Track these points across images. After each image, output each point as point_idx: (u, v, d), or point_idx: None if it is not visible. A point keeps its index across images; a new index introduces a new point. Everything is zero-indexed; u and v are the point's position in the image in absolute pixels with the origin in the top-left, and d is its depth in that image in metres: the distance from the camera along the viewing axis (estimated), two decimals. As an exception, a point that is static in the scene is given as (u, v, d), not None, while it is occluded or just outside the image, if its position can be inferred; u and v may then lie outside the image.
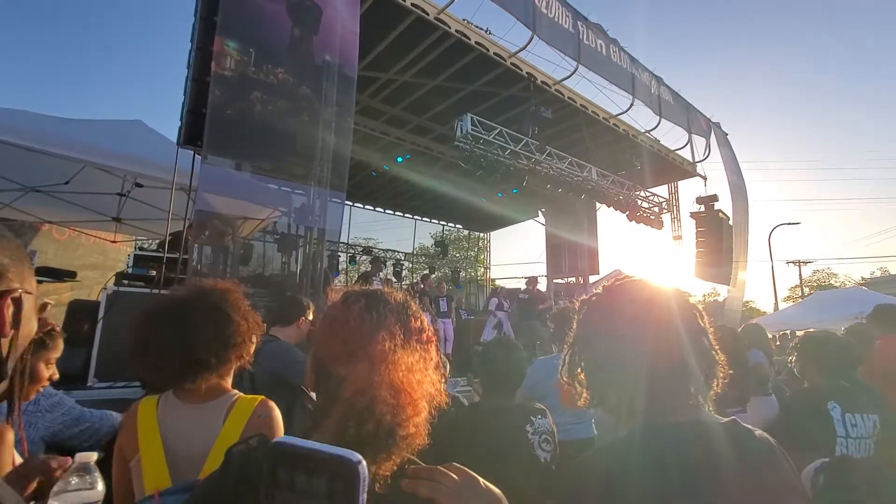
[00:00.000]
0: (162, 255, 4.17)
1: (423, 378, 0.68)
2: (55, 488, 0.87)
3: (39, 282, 4.71)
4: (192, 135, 3.84)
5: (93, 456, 0.92)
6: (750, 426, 0.74)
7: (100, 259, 7.68)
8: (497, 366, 1.75)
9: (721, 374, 0.78)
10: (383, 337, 0.67)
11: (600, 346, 0.78)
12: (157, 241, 6.48)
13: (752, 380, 2.44)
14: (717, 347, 0.79)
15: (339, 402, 0.63)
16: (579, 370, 0.83)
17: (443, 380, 0.72)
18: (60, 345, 1.60)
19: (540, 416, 1.73)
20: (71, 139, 4.62)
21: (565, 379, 0.86)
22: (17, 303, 0.59)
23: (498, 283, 20.02)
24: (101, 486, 0.92)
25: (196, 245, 3.93)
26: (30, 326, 0.63)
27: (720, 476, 0.67)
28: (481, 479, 0.64)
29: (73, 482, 0.88)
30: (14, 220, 6.18)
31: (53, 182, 5.17)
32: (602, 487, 0.68)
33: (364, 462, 0.34)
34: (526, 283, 10.18)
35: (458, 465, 0.65)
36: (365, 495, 0.34)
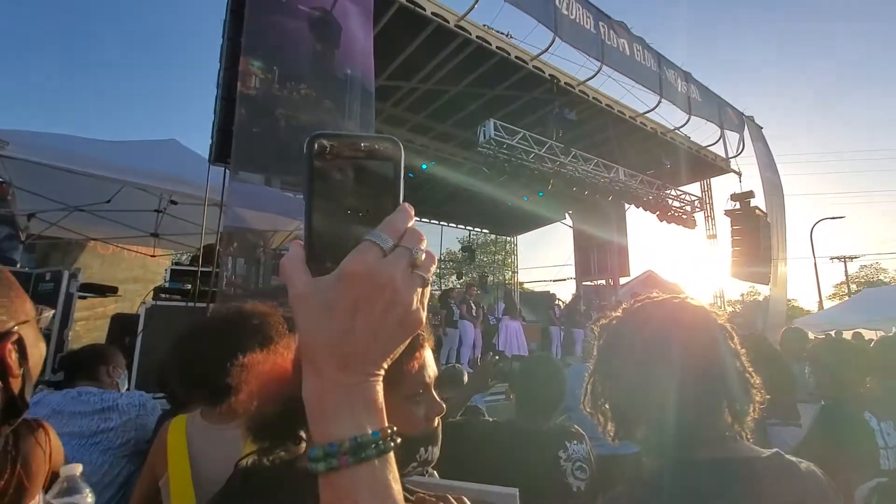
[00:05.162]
0: (196, 269, 4.30)
1: None
2: None
3: (83, 297, 4.89)
4: (222, 152, 3.96)
5: (77, 468, 0.85)
6: (795, 459, 0.69)
7: (141, 272, 8.00)
8: (535, 385, 1.67)
9: (759, 399, 0.72)
10: None
11: (624, 374, 0.74)
12: (190, 256, 6.70)
13: (802, 390, 2.32)
14: (751, 370, 0.74)
15: None
16: (602, 400, 0.79)
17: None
18: None
19: (576, 442, 1.64)
20: (111, 161, 4.85)
21: (588, 410, 0.82)
22: (20, 342, 0.57)
23: (526, 286, 19.83)
24: (91, 499, 0.84)
25: (230, 258, 4.03)
26: (37, 352, 0.62)
27: None
28: None
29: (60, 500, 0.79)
30: (61, 237, 6.53)
31: (96, 201, 5.42)
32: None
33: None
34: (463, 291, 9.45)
35: (465, 500, 0.63)
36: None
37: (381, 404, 0.35)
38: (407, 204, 0.37)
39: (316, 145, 0.35)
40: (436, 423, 0.70)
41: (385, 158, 0.36)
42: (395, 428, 0.35)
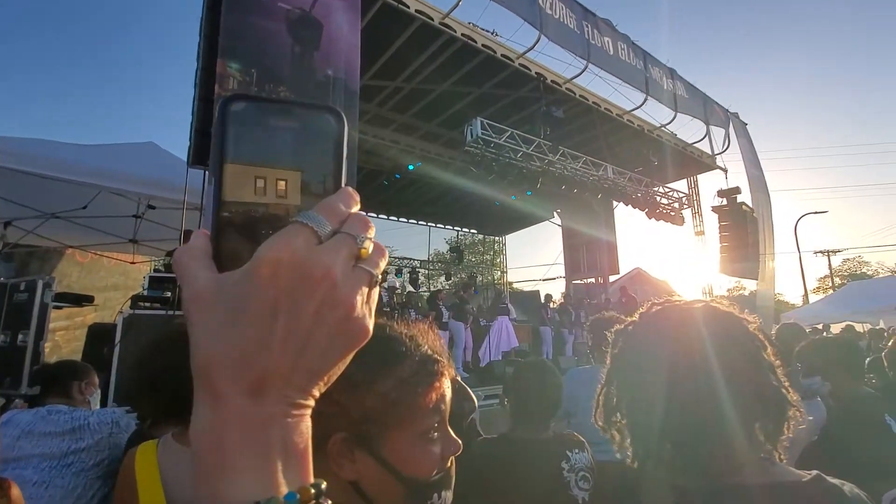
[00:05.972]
0: (174, 275, 4.14)
1: None
2: None
3: (59, 307, 4.69)
4: (200, 154, 3.82)
5: None
6: (837, 482, 0.61)
7: (121, 280, 7.77)
8: (529, 393, 1.58)
9: (798, 417, 0.65)
10: None
11: (643, 387, 0.66)
12: (163, 263, 6.52)
13: (797, 388, 2.27)
14: (787, 385, 0.66)
15: None
16: (618, 415, 0.70)
17: None
18: None
19: (577, 451, 1.54)
20: (86, 165, 4.67)
21: (600, 424, 0.73)
22: None
23: (515, 286, 19.81)
24: None
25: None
26: None
27: None
28: None
29: None
30: (39, 246, 6.31)
31: (72, 207, 5.24)
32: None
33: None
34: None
35: None
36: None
37: (308, 448, 0.25)
38: (350, 188, 0.29)
39: (233, 107, 0.26)
40: (449, 463, 0.61)
41: (324, 132, 0.28)
42: (322, 485, 0.24)
